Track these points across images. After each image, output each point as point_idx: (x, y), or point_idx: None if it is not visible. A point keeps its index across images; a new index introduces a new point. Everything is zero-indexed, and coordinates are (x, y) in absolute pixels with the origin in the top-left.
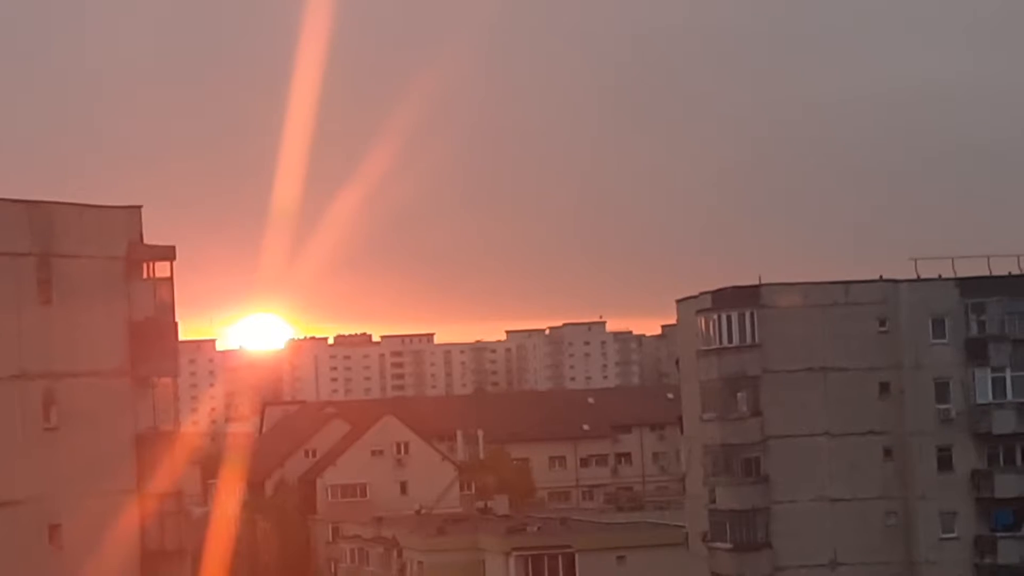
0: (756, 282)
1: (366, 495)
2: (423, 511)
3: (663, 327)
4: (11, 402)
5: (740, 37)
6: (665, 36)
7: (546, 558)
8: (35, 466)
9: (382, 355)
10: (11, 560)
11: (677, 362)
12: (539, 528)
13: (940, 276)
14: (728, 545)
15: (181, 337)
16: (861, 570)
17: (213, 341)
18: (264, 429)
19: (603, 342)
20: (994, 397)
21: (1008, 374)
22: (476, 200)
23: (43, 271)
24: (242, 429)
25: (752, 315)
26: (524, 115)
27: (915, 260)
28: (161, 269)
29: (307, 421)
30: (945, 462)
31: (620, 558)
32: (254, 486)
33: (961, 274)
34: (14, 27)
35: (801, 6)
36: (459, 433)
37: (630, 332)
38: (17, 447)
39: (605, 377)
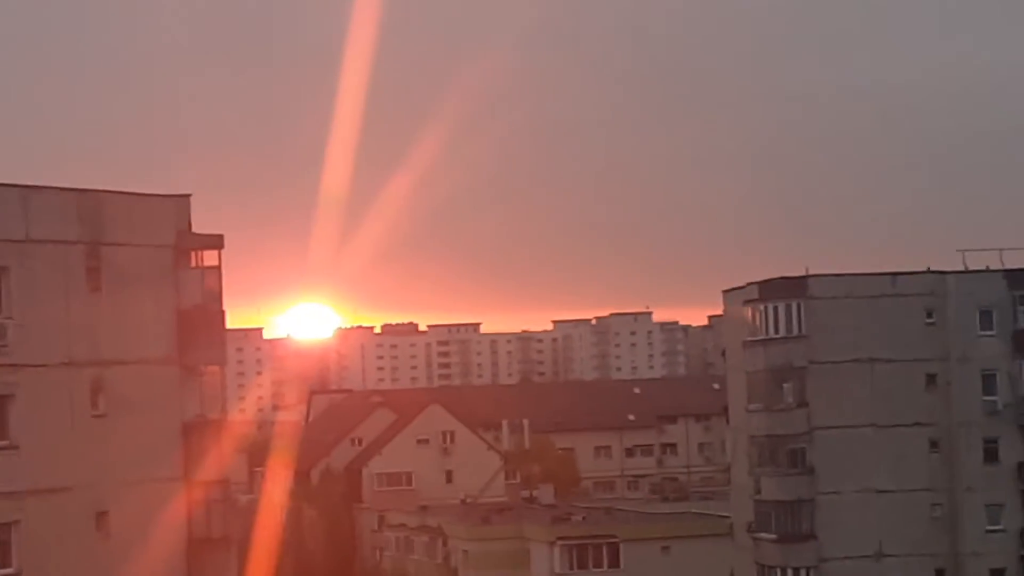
0: (803, 273)
1: (412, 484)
2: (468, 500)
3: (710, 317)
4: (60, 389)
5: (779, 23)
6: (704, 23)
7: (591, 548)
8: (83, 453)
9: (428, 344)
10: (60, 547)
11: (723, 352)
12: (584, 518)
13: (988, 268)
14: (773, 536)
15: (229, 326)
16: (906, 562)
17: (261, 330)
18: (311, 417)
19: (649, 332)
20: None
21: None
22: (523, 191)
23: (92, 259)
24: (289, 417)
25: (799, 306)
26: (567, 108)
27: (963, 252)
28: (209, 258)
29: (353, 410)
30: (991, 454)
31: (665, 548)
32: (300, 474)
33: (1009, 265)
34: (62, 17)
35: None
36: (505, 423)
37: (676, 322)
38: (66, 434)
39: (651, 367)
